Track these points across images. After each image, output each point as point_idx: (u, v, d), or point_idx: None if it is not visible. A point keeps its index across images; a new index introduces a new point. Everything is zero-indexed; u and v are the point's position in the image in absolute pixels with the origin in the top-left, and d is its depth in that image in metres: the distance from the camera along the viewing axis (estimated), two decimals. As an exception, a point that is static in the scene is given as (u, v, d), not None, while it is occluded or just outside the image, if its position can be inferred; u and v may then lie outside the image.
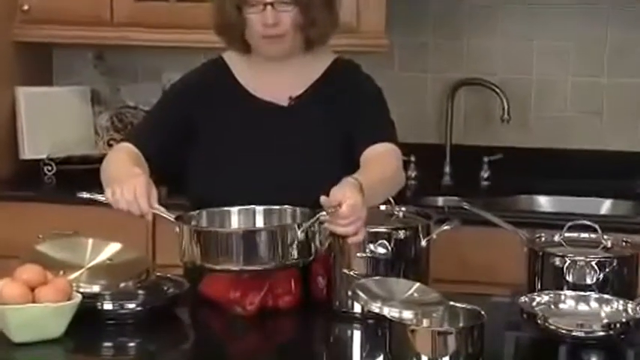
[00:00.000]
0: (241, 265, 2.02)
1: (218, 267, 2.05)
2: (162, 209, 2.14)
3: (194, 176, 2.40)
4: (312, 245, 2.05)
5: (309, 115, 2.39)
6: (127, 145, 2.39)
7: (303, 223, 2.03)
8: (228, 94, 2.43)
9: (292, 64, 2.40)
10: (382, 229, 2.19)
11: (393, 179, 2.32)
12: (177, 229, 2.10)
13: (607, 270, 2.13)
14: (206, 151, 2.40)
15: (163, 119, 2.45)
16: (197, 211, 2.22)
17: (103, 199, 2.17)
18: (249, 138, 2.39)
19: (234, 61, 2.46)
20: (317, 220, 2.02)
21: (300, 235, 2.01)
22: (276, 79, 2.41)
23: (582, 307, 2.04)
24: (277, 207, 2.19)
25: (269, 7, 2.29)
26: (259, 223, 2.19)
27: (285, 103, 2.41)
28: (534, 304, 2.02)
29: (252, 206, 2.20)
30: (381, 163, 2.29)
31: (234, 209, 2.22)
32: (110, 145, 3.66)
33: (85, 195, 2.22)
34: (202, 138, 2.41)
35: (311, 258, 2.07)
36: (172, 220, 2.12)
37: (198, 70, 2.51)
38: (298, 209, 2.16)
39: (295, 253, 2.02)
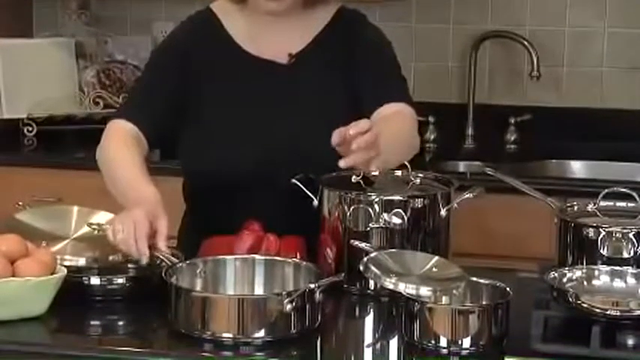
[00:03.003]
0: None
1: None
2: (164, 251, 2.12)
3: (188, 139, 2.41)
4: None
5: (311, 73, 2.41)
6: (124, 127, 2.39)
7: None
8: (220, 52, 2.43)
9: (291, 17, 2.40)
10: (397, 197, 2.20)
11: (407, 142, 2.34)
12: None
13: (646, 243, 2.13)
14: (201, 113, 2.41)
15: (154, 87, 2.44)
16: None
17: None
18: (247, 99, 2.41)
19: (225, 12, 2.45)
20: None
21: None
22: (274, 35, 2.41)
23: (618, 283, 2.04)
24: (279, 258, 2.15)
25: None
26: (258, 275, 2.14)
27: (284, 60, 2.42)
28: (565, 280, 2.03)
29: (252, 256, 2.17)
30: (394, 123, 2.30)
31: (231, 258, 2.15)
32: (96, 104, 3.68)
33: (94, 227, 2.21)
34: (196, 100, 2.41)
35: None
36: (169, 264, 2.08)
37: (184, 26, 2.51)
38: (303, 263, 2.12)
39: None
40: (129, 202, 2.22)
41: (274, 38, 2.41)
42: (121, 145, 2.37)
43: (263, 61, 2.42)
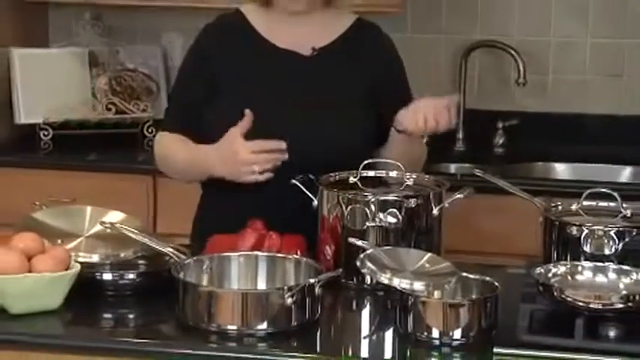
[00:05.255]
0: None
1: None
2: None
3: (218, 126, 2.41)
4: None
5: (332, 65, 2.45)
6: (169, 136, 2.49)
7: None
8: (247, 44, 2.48)
9: (314, 19, 2.46)
10: (392, 197, 2.20)
11: (424, 154, 2.55)
12: None
13: (626, 240, 2.13)
14: (229, 101, 2.43)
15: (189, 96, 2.50)
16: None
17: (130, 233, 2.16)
18: (272, 87, 2.44)
19: (251, 11, 2.50)
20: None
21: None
22: (298, 30, 2.46)
23: (600, 278, 2.04)
24: (281, 255, 2.14)
25: None
26: (261, 271, 2.13)
27: (307, 53, 2.45)
28: (550, 275, 2.02)
29: (255, 253, 2.16)
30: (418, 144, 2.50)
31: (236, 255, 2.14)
32: (109, 109, 3.68)
33: (106, 225, 2.21)
34: (224, 89, 2.45)
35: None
36: None
37: (213, 23, 2.55)
38: (303, 260, 2.12)
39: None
40: (211, 158, 2.36)
41: (298, 32, 2.46)
42: (171, 144, 2.48)
43: (287, 51, 2.46)
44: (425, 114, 2.30)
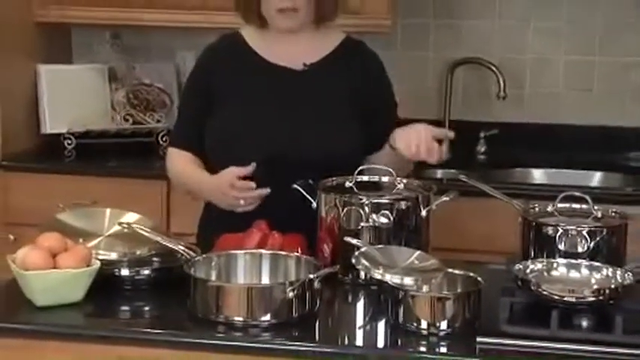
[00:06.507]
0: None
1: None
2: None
3: (215, 136, 2.44)
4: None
5: (322, 79, 2.45)
6: (177, 152, 2.52)
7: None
8: (244, 61, 2.48)
9: (305, 37, 2.46)
10: (384, 200, 2.19)
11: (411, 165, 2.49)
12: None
13: (597, 239, 2.12)
14: (228, 112, 2.43)
15: (192, 112, 2.52)
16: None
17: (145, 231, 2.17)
18: (266, 99, 2.43)
19: (249, 34, 2.51)
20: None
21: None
22: (291, 48, 2.46)
23: (573, 274, 2.03)
24: (283, 253, 2.12)
25: None
26: (265, 267, 2.12)
27: (299, 68, 2.45)
28: (528, 271, 2.02)
29: (260, 251, 2.14)
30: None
31: (242, 253, 2.13)
32: (126, 120, 3.67)
33: (123, 225, 2.21)
34: (224, 101, 2.44)
35: None
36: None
37: (213, 43, 2.56)
38: (303, 257, 2.10)
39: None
40: (205, 189, 2.43)
41: (291, 50, 2.46)
42: (181, 163, 2.51)
43: (280, 67, 2.45)
44: (418, 144, 2.28)
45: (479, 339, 1.83)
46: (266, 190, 2.31)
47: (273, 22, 2.43)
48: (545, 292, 1.90)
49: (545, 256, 2.13)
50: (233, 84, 2.46)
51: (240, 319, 1.90)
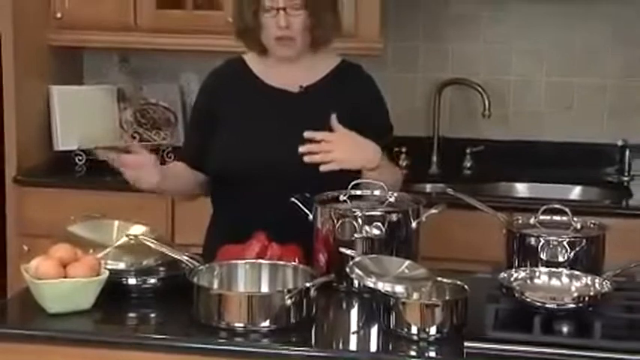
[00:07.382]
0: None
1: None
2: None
3: (217, 154, 2.44)
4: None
5: (318, 101, 2.44)
6: (181, 164, 2.53)
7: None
8: (245, 83, 2.49)
9: (302, 62, 2.46)
10: (377, 212, 2.19)
11: (398, 177, 2.48)
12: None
13: (577, 249, 2.12)
14: (229, 131, 2.43)
15: (196, 132, 2.54)
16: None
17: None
18: (265, 119, 2.44)
19: (251, 60, 2.52)
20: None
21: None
22: (289, 72, 2.46)
23: (555, 282, 2.03)
24: (281, 262, 2.11)
25: (282, 12, 2.37)
26: (264, 276, 2.10)
27: (296, 90, 2.45)
28: (512, 279, 2.01)
29: (259, 261, 2.13)
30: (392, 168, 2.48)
31: (242, 263, 2.11)
32: (134, 138, 3.68)
33: (131, 237, 2.19)
34: (225, 121, 2.45)
35: None
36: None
37: (217, 68, 2.57)
38: (301, 266, 2.10)
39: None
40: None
41: (289, 74, 2.46)
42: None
43: (278, 89, 2.46)
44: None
45: (466, 344, 1.83)
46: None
47: (272, 51, 2.44)
48: (528, 299, 1.90)
49: (528, 265, 2.12)
50: (234, 106, 2.46)
51: (241, 325, 1.90)
